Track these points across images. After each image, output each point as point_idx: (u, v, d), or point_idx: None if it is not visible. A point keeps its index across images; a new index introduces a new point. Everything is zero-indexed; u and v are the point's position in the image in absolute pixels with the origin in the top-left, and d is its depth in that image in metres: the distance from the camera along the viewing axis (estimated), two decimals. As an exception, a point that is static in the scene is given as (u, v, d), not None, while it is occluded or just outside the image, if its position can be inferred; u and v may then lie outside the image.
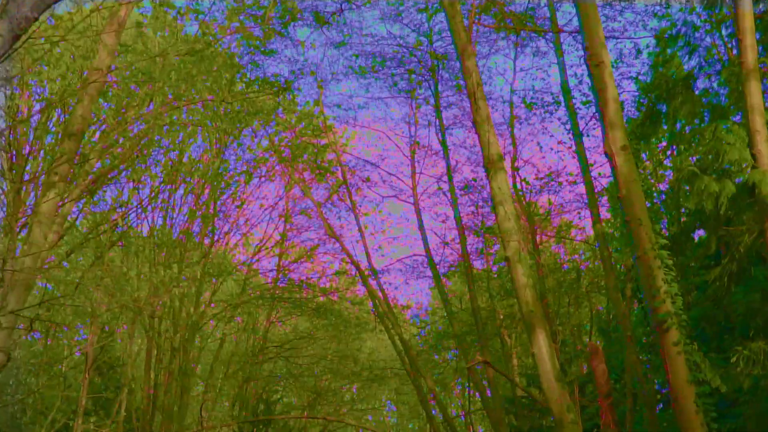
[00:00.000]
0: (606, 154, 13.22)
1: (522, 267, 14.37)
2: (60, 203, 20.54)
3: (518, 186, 27.25)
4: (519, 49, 26.12)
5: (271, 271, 32.98)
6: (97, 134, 22.12)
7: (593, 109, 23.05)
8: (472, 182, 27.70)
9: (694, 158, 17.82)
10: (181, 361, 27.59)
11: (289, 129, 27.56)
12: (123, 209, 26.68)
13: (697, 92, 18.22)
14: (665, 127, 19.95)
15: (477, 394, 34.56)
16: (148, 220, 29.18)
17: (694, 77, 18.20)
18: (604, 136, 13.29)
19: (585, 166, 21.32)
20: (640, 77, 22.41)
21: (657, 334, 12.73)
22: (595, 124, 23.51)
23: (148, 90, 20.60)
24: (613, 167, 13.05)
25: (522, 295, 14.29)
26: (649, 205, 16.91)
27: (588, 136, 24.16)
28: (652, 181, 23.84)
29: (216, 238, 29.27)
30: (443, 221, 29.38)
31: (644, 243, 12.62)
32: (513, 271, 14.46)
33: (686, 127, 19.10)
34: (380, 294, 27.08)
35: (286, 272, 33.11)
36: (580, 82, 23.85)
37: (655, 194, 23.17)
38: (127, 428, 29.78)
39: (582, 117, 23.03)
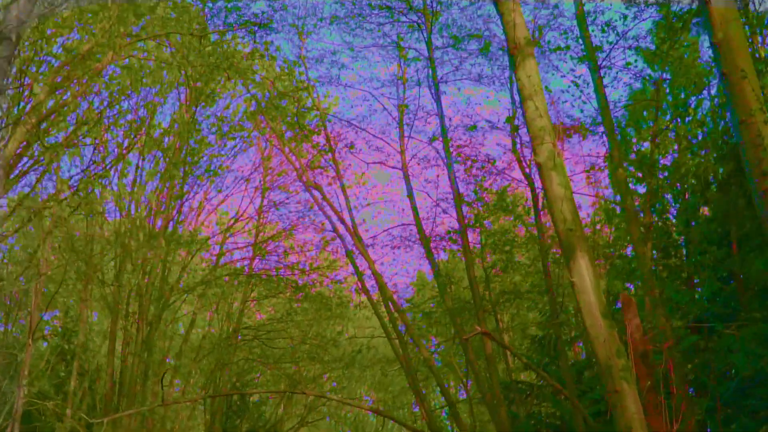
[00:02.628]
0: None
1: (557, 175, 10.89)
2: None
3: (518, 151, 23.76)
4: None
5: (246, 247, 29.35)
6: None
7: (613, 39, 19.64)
8: (470, 132, 24.13)
9: None
10: (145, 335, 23.91)
11: (269, 84, 24.04)
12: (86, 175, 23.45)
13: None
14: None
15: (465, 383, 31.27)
16: (113, 186, 25.74)
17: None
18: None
19: (604, 104, 17.93)
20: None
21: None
22: (613, 59, 20.08)
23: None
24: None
25: (557, 210, 10.80)
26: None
27: (609, 69, 20.68)
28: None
29: (185, 201, 25.70)
30: (437, 176, 25.76)
31: (750, 102, 8.98)
32: (546, 181, 10.97)
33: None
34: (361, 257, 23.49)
35: (264, 251, 29.49)
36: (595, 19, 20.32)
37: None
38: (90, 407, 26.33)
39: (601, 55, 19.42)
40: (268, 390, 27.49)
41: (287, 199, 29.55)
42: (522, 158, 23.73)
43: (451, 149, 23.54)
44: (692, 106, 24.94)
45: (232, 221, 28.47)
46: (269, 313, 32.61)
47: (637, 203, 20.75)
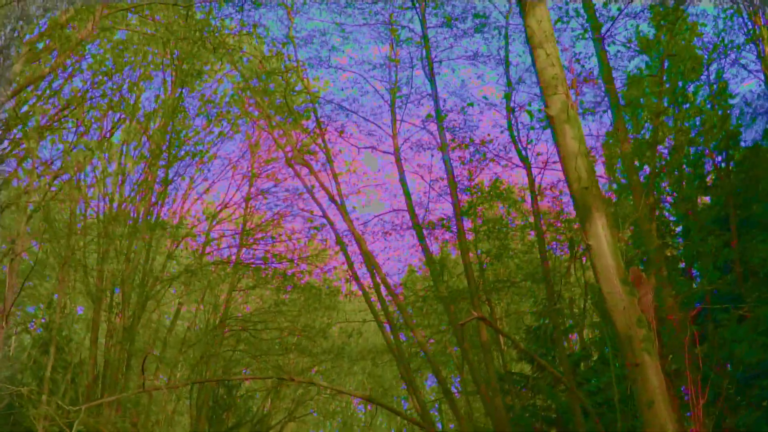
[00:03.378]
0: None
1: (571, 128, 9.84)
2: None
3: (514, 131, 22.74)
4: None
5: (233, 235, 28.10)
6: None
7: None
8: (466, 111, 23.02)
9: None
10: (127, 324, 22.74)
11: (258, 65, 22.95)
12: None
13: None
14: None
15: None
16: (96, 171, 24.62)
17: None
18: None
19: (608, 78, 16.94)
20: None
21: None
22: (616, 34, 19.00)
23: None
24: None
25: (571, 167, 9.75)
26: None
27: (612, 44, 19.66)
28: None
29: (170, 186, 24.53)
30: (431, 155, 24.60)
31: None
32: (559, 136, 9.91)
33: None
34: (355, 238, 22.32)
35: (250, 242, 28.25)
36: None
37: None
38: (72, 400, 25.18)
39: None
40: (254, 376, 26.19)
41: (275, 187, 28.49)
42: (518, 140, 22.75)
43: (446, 131, 22.48)
44: (691, 91, 24.08)
45: (219, 207, 27.24)
46: (257, 304, 31.24)
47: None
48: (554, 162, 23.28)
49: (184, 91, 24.55)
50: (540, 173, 22.86)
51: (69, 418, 17.58)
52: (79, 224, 24.11)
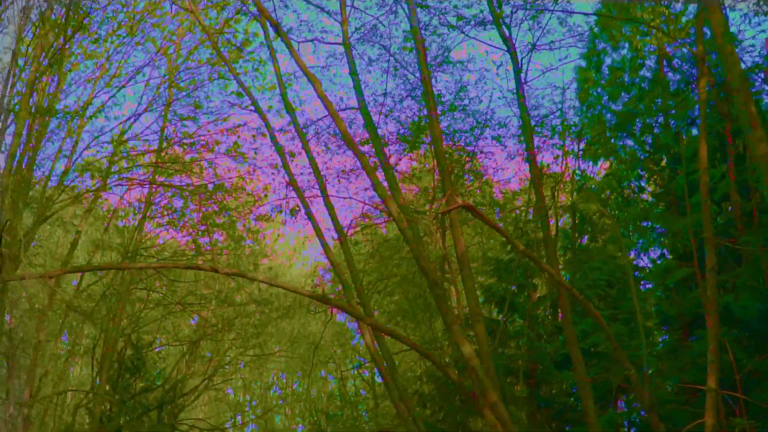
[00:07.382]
0: None
1: None
2: None
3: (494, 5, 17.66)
4: None
5: (147, 154, 21.91)
6: None
7: None
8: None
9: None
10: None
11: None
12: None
13: None
14: None
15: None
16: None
17: None
18: None
19: None
20: None
21: None
22: None
23: None
24: None
25: None
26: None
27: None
28: None
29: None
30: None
31: None
32: None
33: None
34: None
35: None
36: None
37: None
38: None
39: None
40: (166, 264, 19.87)
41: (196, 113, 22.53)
42: (500, 16, 17.60)
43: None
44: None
45: (131, 118, 21.19)
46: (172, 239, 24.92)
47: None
48: (543, 45, 18.34)
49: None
50: (527, 56, 17.66)
51: None
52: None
